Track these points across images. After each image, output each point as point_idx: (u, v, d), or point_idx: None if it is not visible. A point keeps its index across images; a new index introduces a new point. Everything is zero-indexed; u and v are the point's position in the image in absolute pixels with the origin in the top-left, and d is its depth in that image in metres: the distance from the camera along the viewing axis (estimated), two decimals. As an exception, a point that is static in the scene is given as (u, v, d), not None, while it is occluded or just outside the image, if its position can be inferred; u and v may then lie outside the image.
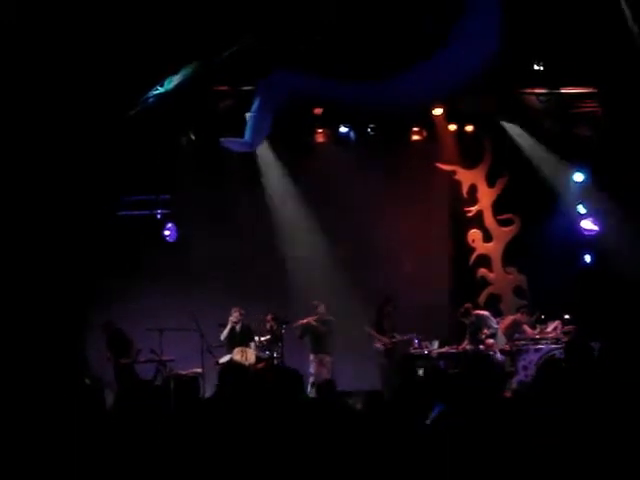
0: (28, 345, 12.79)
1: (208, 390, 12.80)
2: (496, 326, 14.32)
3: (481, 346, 14.04)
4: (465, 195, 16.92)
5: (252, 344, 14.17)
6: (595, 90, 14.93)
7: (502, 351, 14.07)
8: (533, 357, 13.86)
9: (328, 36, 12.06)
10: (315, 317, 14.52)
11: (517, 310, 15.22)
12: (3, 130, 12.73)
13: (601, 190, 15.39)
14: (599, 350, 6.99)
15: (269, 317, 14.45)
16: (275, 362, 14.30)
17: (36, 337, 13.07)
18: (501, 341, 14.27)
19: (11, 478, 5.17)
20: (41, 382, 8.64)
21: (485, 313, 14.61)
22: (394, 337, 14.60)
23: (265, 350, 14.37)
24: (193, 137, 15.04)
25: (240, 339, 14.28)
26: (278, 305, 14.83)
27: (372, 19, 11.71)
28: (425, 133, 16.38)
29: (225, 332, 14.30)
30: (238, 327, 14.39)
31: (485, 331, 14.05)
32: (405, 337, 14.64)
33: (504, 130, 15.87)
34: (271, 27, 11.87)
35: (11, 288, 13.22)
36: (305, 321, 14.52)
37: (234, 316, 14.36)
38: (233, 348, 14.21)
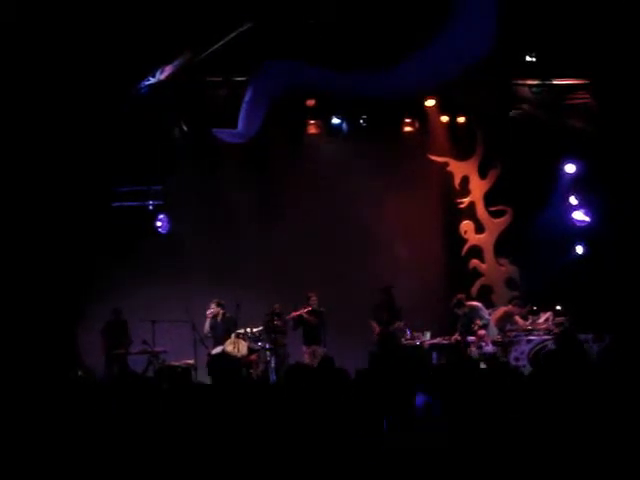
0: (22, 337, 12.79)
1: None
2: (488, 317, 14.35)
3: (471, 337, 14.07)
4: (457, 187, 16.94)
5: (233, 335, 14.11)
6: (588, 81, 14.95)
7: (494, 342, 14.10)
8: (525, 348, 13.89)
9: (324, 25, 12.04)
10: (307, 309, 14.54)
11: (509, 301, 15.25)
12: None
13: (593, 181, 15.41)
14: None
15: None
16: (267, 354, 14.32)
17: (29, 329, 13.06)
18: (493, 333, 14.30)
19: (4, 469, 5.17)
20: (34, 373, 8.64)
21: (478, 304, 14.64)
22: (390, 326, 14.59)
23: (258, 341, 14.37)
24: (185, 128, 14.99)
25: (222, 330, 14.26)
26: (272, 295, 14.82)
27: (368, 9, 11.69)
28: (417, 124, 16.37)
29: (207, 325, 14.30)
30: (220, 319, 14.39)
31: (478, 322, 14.08)
32: (397, 324, 14.62)
33: (496, 121, 15.85)
34: (267, 15, 11.84)
35: (4, 280, 13.21)
36: (297, 313, 14.53)
37: (212, 308, 14.37)
38: (218, 339, 14.21)
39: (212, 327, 14.34)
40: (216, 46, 12.32)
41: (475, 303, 14.71)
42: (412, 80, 11.35)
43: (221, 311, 14.41)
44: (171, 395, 6.45)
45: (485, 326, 14.15)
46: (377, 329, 14.64)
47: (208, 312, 14.39)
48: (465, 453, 4.60)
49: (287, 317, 14.54)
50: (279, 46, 12.41)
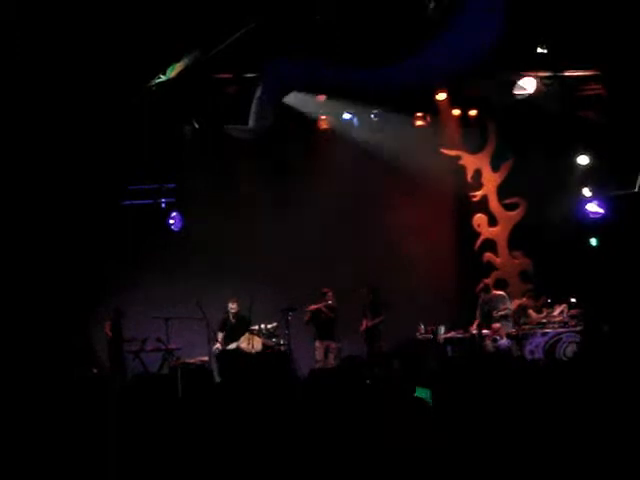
0: (36, 336, 12.84)
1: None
2: (511, 308, 14.34)
3: (485, 331, 14.05)
4: (470, 180, 16.90)
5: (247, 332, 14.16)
6: (599, 73, 14.87)
7: (509, 335, 14.06)
8: (540, 341, 13.84)
9: (330, 21, 12.02)
10: (324, 304, 14.55)
11: (522, 294, 15.20)
12: (9, 123, 12.76)
13: (606, 173, 15.32)
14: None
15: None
16: (282, 349, 14.33)
17: (43, 328, 13.12)
18: (511, 325, 14.26)
19: (17, 466, 5.19)
20: (49, 372, 8.67)
21: (503, 293, 14.60)
22: (368, 321, 14.62)
23: (272, 337, 14.38)
24: (196, 125, 15.01)
25: (236, 329, 14.26)
26: (283, 291, 14.82)
27: (375, 4, 11.67)
28: (429, 118, 16.34)
29: (220, 331, 14.26)
30: (233, 318, 14.40)
31: (504, 306, 14.12)
32: (376, 320, 14.61)
33: (508, 114, 15.79)
34: (276, 12, 11.83)
35: (18, 279, 13.27)
36: (315, 307, 14.55)
37: (232, 307, 14.39)
38: (231, 338, 14.20)
39: (224, 325, 14.31)
40: (225, 43, 12.31)
41: (501, 292, 14.66)
42: (422, 73, 11.32)
43: (236, 308, 14.41)
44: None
45: (506, 317, 14.16)
46: (363, 325, 14.66)
47: (230, 310, 14.37)
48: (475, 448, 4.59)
49: (305, 309, 14.58)
50: (288, 42, 12.39)
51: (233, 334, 14.26)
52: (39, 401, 5.99)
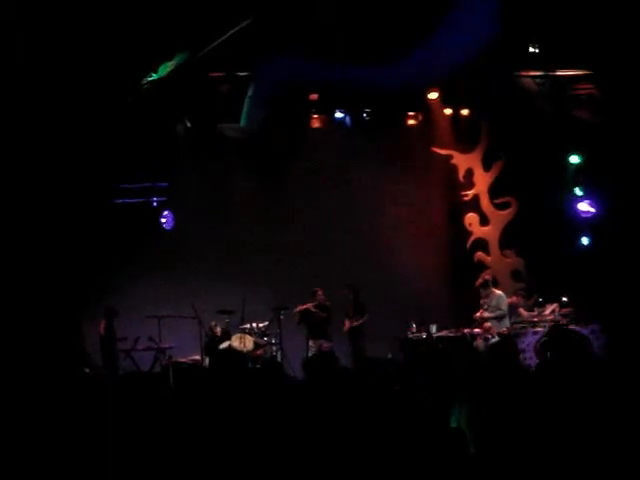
0: (28, 335, 12.81)
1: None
2: (505, 309, 14.27)
3: (477, 330, 14.06)
4: (461, 179, 16.91)
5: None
6: (591, 72, 14.92)
7: (500, 334, 14.07)
8: (531, 340, 13.87)
9: (328, 19, 12.04)
10: (314, 303, 14.55)
11: (514, 293, 15.21)
12: (3, 121, 12.73)
13: (598, 172, 15.36)
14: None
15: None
16: (274, 348, 14.35)
17: (35, 327, 13.08)
18: (504, 324, 14.23)
19: (12, 466, 5.18)
20: (41, 372, 8.66)
21: (500, 293, 14.51)
22: (351, 321, 14.65)
23: (263, 336, 14.40)
24: (189, 124, 15.00)
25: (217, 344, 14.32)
26: (275, 290, 14.83)
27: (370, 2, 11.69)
28: (421, 117, 16.37)
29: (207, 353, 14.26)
30: (219, 333, 14.43)
31: (497, 306, 14.08)
32: (359, 321, 14.64)
33: (500, 113, 15.81)
34: (268, 9, 11.84)
35: (8, 278, 13.22)
36: (304, 307, 14.54)
37: (217, 330, 14.41)
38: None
39: (210, 348, 14.29)
40: (218, 41, 12.32)
41: (499, 292, 14.56)
42: (418, 71, 11.34)
43: (219, 329, 14.43)
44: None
45: (502, 317, 14.11)
46: (347, 325, 14.68)
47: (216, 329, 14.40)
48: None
49: (293, 311, 14.57)
50: (281, 40, 12.40)
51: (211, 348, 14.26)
52: (35, 400, 5.98)
